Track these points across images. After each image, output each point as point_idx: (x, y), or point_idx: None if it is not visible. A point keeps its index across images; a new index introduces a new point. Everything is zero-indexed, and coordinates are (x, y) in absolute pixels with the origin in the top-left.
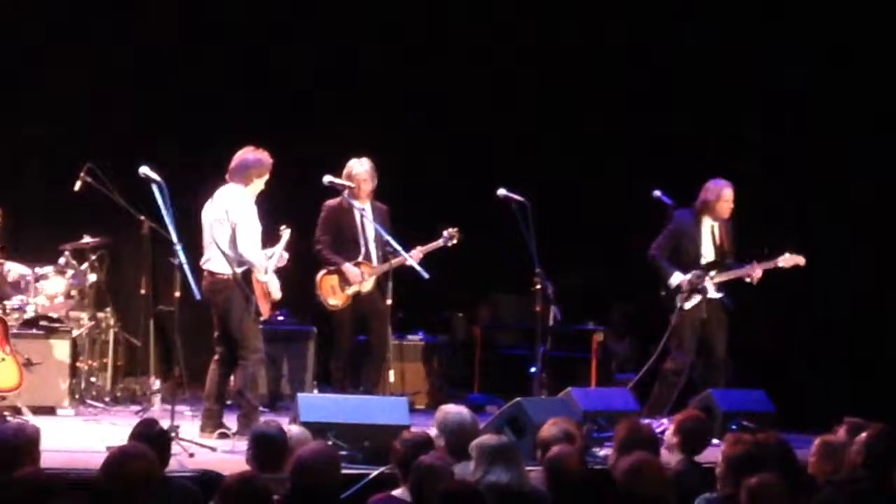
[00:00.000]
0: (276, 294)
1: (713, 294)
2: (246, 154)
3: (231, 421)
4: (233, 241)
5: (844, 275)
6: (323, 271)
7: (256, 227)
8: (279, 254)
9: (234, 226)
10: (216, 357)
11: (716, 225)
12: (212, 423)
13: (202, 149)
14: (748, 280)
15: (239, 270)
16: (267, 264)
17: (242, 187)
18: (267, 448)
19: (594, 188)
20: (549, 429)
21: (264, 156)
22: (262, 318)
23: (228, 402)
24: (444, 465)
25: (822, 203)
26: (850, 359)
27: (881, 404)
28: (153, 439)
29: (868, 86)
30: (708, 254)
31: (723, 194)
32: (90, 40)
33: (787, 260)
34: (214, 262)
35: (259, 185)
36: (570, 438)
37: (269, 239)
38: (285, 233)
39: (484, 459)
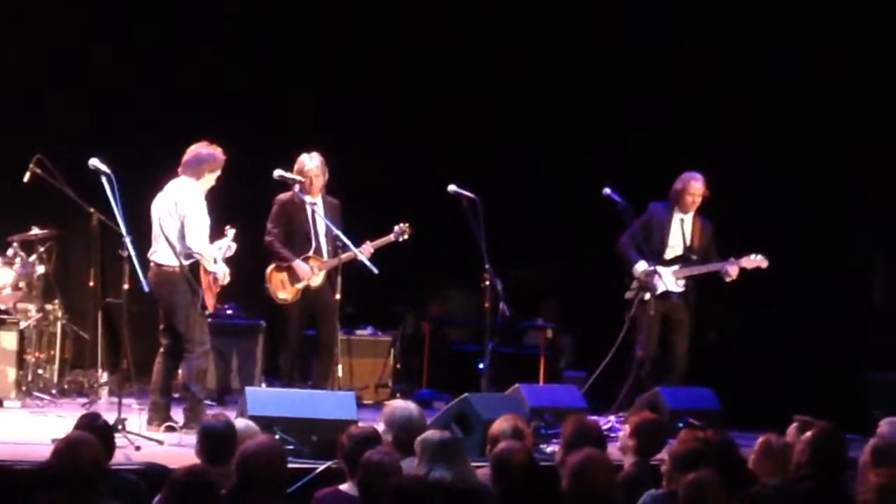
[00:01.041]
0: (225, 279)
1: (674, 288)
2: (200, 149)
3: (178, 414)
4: (181, 234)
5: (798, 274)
6: (272, 265)
7: (205, 220)
8: (227, 244)
9: (182, 218)
10: (162, 350)
11: (686, 219)
12: (159, 416)
13: (154, 142)
14: (727, 279)
15: (186, 263)
16: (216, 255)
17: (194, 181)
18: (215, 442)
19: (546, 186)
20: (500, 424)
21: (217, 151)
22: (207, 312)
23: (176, 396)
24: (391, 460)
25: (769, 204)
26: (800, 357)
27: (830, 403)
28: (96, 432)
29: None
30: (676, 246)
31: (689, 186)
32: (43, 31)
33: (750, 262)
34: (161, 253)
35: (210, 179)
36: (520, 435)
37: (217, 235)
38: (230, 232)
39: (428, 456)
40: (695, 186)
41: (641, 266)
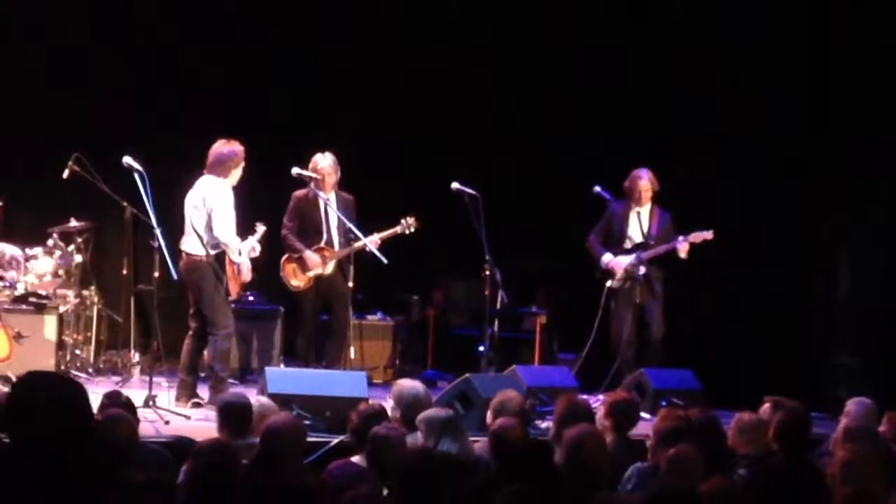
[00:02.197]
0: (247, 276)
1: (641, 271)
2: (220, 148)
3: (204, 391)
4: (208, 226)
5: (771, 258)
6: (286, 256)
7: (231, 213)
8: (253, 244)
9: (210, 211)
10: (190, 332)
11: (642, 211)
12: (186, 393)
13: (181, 141)
14: (682, 255)
15: (213, 252)
16: (241, 247)
17: (222, 179)
18: (234, 416)
19: (542, 184)
20: (501, 398)
21: (237, 146)
22: (231, 298)
23: (202, 375)
24: (397, 434)
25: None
26: (771, 343)
27: (801, 384)
28: (120, 408)
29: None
30: (635, 237)
31: (634, 183)
32: (80, 34)
33: (695, 236)
34: (190, 243)
35: (237, 174)
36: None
37: (246, 230)
38: (260, 228)
39: (433, 432)
40: (639, 182)
41: (607, 257)
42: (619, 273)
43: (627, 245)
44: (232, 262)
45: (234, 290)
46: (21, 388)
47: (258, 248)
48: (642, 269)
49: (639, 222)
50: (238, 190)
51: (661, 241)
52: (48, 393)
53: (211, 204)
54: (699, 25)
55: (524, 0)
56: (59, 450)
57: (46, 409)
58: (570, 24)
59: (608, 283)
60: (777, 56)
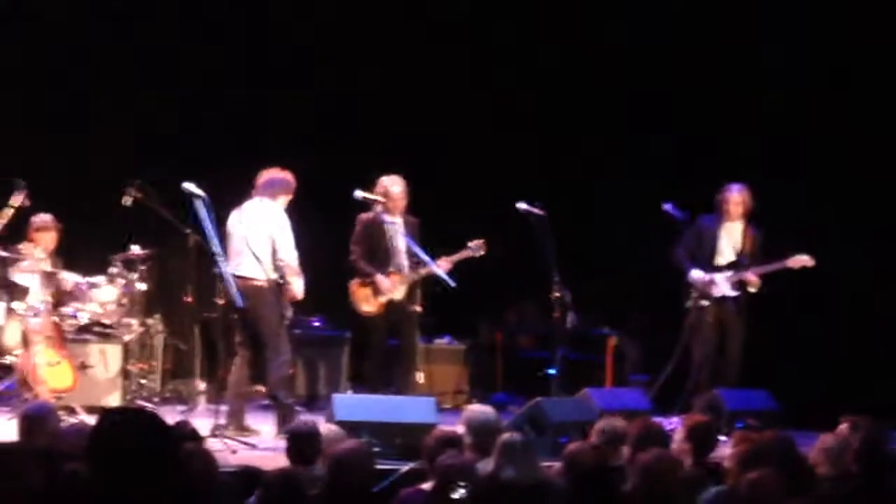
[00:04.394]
0: (300, 295)
1: (729, 293)
2: (273, 174)
3: (261, 420)
4: (273, 249)
5: (846, 274)
6: (356, 280)
7: (292, 236)
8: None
9: (272, 235)
10: (239, 360)
11: (734, 227)
12: (235, 421)
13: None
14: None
15: (274, 277)
16: (300, 276)
17: (271, 201)
18: (301, 444)
19: (609, 201)
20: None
21: (289, 177)
22: (287, 322)
23: (264, 403)
24: (463, 463)
25: (825, 203)
26: (853, 358)
27: (882, 403)
28: (187, 438)
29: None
30: (726, 254)
31: (726, 196)
32: (142, 64)
33: (795, 261)
34: (246, 267)
35: (284, 201)
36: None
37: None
38: None
39: (504, 456)
40: (729, 196)
41: (696, 274)
42: (711, 290)
43: (720, 262)
44: (289, 283)
45: (287, 314)
46: (109, 420)
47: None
48: (730, 290)
49: (730, 239)
50: (298, 213)
51: (753, 259)
52: (135, 427)
53: (273, 228)
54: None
55: (588, 20)
56: (141, 484)
57: (132, 443)
58: (638, 43)
59: (699, 303)
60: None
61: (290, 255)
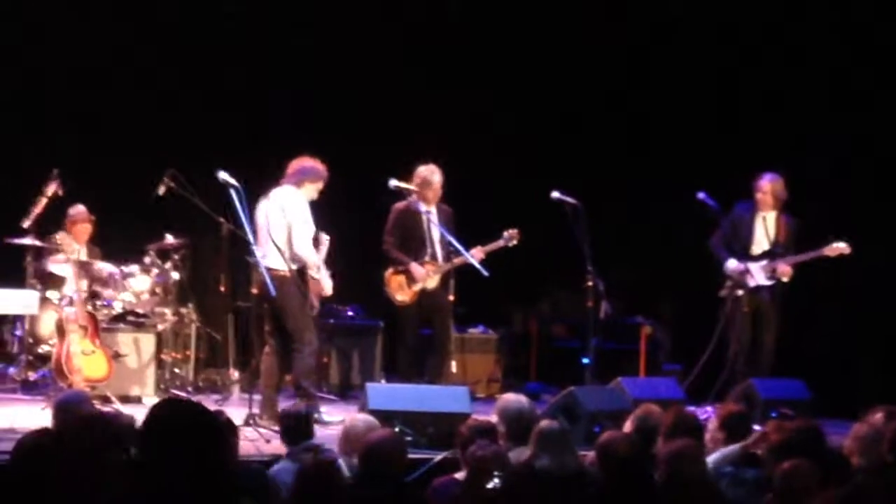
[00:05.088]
0: (328, 291)
1: (763, 282)
2: (304, 161)
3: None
4: (289, 240)
5: (881, 268)
6: (390, 269)
7: (309, 228)
8: (323, 256)
9: (289, 225)
10: (268, 349)
11: (769, 216)
12: (270, 410)
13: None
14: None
15: (294, 267)
16: (319, 263)
17: (295, 189)
18: (291, 424)
19: (642, 191)
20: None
21: (319, 166)
22: (314, 313)
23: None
24: (495, 453)
25: (861, 195)
26: (887, 348)
27: None
28: (222, 427)
29: None
30: (761, 242)
31: (759, 185)
32: (175, 55)
33: (832, 249)
34: (271, 258)
35: (311, 190)
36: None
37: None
38: (324, 238)
39: (539, 445)
40: (762, 185)
41: (732, 263)
42: (748, 279)
43: (756, 251)
44: (312, 277)
45: (315, 304)
46: (160, 411)
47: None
48: (764, 280)
49: (764, 227)
50: (329, 203)
51: (788, 249)
52: (185, 418)
53: (290, 217)
54: None
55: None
56: (190, 470)
57: (185, 433)
58: (663, 31)
59: (735, 293)
60: None
61: (302, 247)
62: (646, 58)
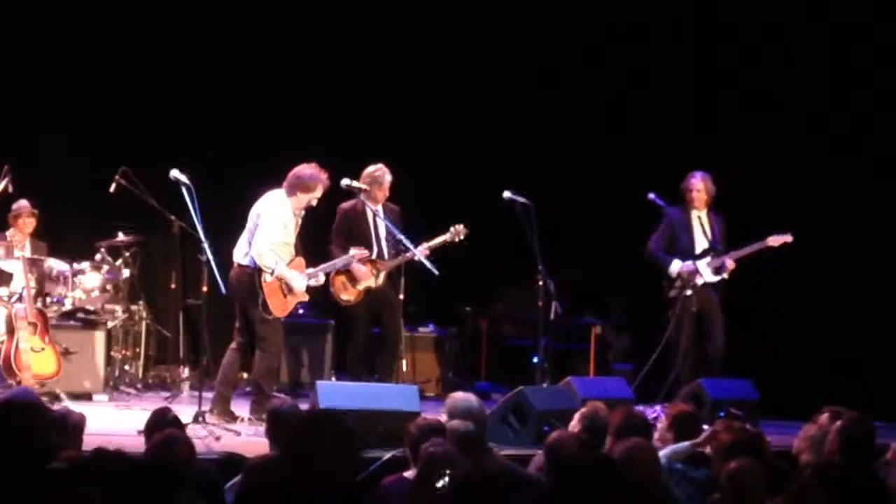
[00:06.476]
0: (300, 294)
1: (711, 278)
2: (302, 169)
3: (239, 407)
4: (251, 239)
5: (825, 268)
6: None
7: (276, 232)
8: (319, 274)
9: (258, 225)
10: (233, 345)
11: (702, 215)
12: (221, 407)
13: (229, 156)
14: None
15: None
16: (275, 267)
17: (285, 195)
18: (279, 425)
19: (593, 190)
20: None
21: (317, 174)
22: (270, 317)
23: (247, 389)
24: (447, 451)
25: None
26: (833, 350)
27: (862, 393)
28: (170, 425)
29: None
30: (700, 242)
31: (692, 184)
32: (137, 53)
33: (775, 239)
34: (239, 253)
35: (301, 199)
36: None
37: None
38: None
39: (452, 445)
40: (695, 183)
41: (678, 265)
42: (697, 278)
43: (698, 250)
44: (278, 279)
45: (275, 306)
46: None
47: (322, 278)
48: (711, 276)
49: (701, 226)
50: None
51: (725, 244)
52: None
53: (261, 217)
54: None
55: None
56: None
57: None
58: (623, 34)
59: (684, 293)
60: None
61: (258, 246)
62: (601, 59)
